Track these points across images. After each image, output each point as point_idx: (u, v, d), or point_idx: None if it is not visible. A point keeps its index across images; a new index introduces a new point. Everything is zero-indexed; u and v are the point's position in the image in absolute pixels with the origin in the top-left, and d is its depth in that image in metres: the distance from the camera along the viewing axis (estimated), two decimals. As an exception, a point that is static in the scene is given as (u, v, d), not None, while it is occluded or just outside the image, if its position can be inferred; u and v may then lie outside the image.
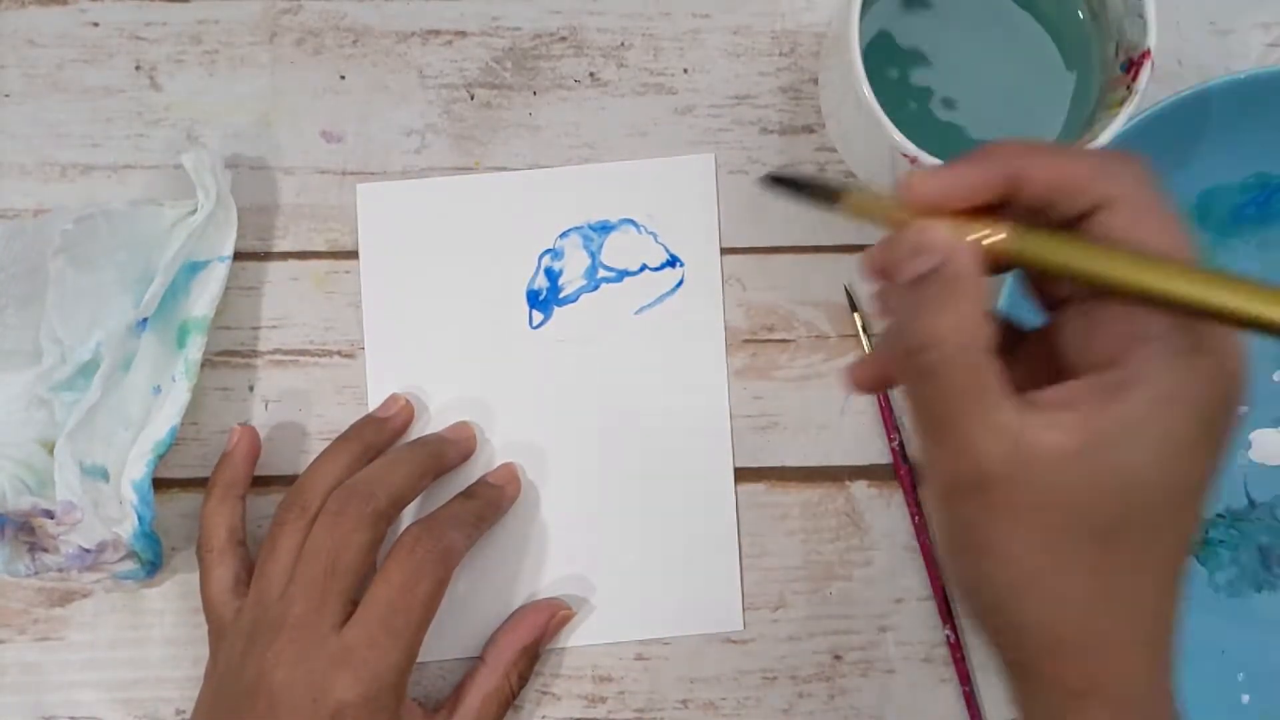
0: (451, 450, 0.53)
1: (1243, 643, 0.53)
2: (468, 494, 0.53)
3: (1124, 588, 0.35)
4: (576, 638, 0.54)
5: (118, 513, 0.51)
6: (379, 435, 0.53)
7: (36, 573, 0.50)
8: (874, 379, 0.41)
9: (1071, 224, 0.35)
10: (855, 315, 0.55)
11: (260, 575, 0.49)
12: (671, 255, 0.56)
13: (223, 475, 0.52)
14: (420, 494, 0.52)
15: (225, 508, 0.52)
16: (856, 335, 0.55)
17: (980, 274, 0.35)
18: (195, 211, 0.52)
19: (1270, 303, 0.33)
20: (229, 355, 0.55)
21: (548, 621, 0.53)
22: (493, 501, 0.53)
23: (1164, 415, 0.34)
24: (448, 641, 0.54)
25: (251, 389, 0.55)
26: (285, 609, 0.47)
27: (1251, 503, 0.55)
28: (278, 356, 0.55)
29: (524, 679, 0.53)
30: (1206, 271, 0.34)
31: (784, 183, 0.40)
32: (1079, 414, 0.34)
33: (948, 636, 0.54)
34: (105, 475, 0.51)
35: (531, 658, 0.53)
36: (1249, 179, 0.53)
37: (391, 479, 0.50)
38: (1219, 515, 0.55)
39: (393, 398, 0.54)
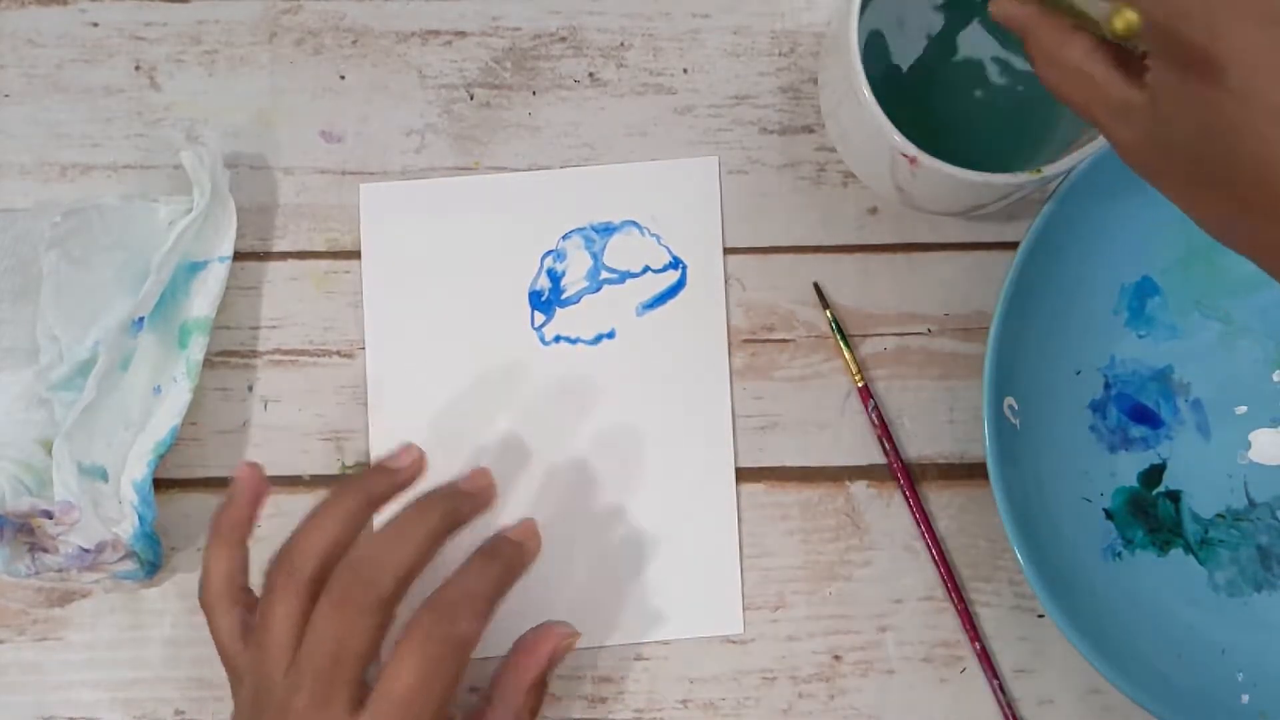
0: (467, 505, 0.48)
1: (1242, 643, 0.53)
2: (486, 554, 0.48)
3: None
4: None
5: (117, 513, 0.51)
6: (384, 488, 0.49)
7: (37, 573, 0.50)
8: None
9: None
10: (826, 312, 0.55)
11: (258, 645, 0.45)
12: (674, 257, 0.56)
13: (225, 518, 0.49)
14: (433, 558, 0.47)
15: (224, 553, 0.49)
16: (834, 334, 0.55)
17: None
18: (191, 209, 0.52)
19: None
20: (228, 355, 0.55)
21: (553, 651, 0.50)
22: (512, 565, 0.48)
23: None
24: (447, 641, 0.54)
25: (251, 389, 0.55)
26: (290, 695, 0.44)
27: (1251, 502, 0.55)
28: (277, 356, 0.55)
29: (535, 714, 0.50)
30: None
31: None
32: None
33: (969, 636, 0.55)
34: (104, 475, 0.51)
35: (540, 691, 0.50)
36: None
37: (398, 558, 0.45)
38: (1219, 515, 0.55)
39: (406, 449, 0.49)
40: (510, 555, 0.48)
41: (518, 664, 0.50)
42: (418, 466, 0.49)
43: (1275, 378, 0.55)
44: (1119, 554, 0.54)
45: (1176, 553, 0.54)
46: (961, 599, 0.54)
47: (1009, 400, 0.51)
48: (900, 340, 0.56)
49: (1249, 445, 0.55)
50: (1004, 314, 0.50)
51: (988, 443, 0.49)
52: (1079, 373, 0.55)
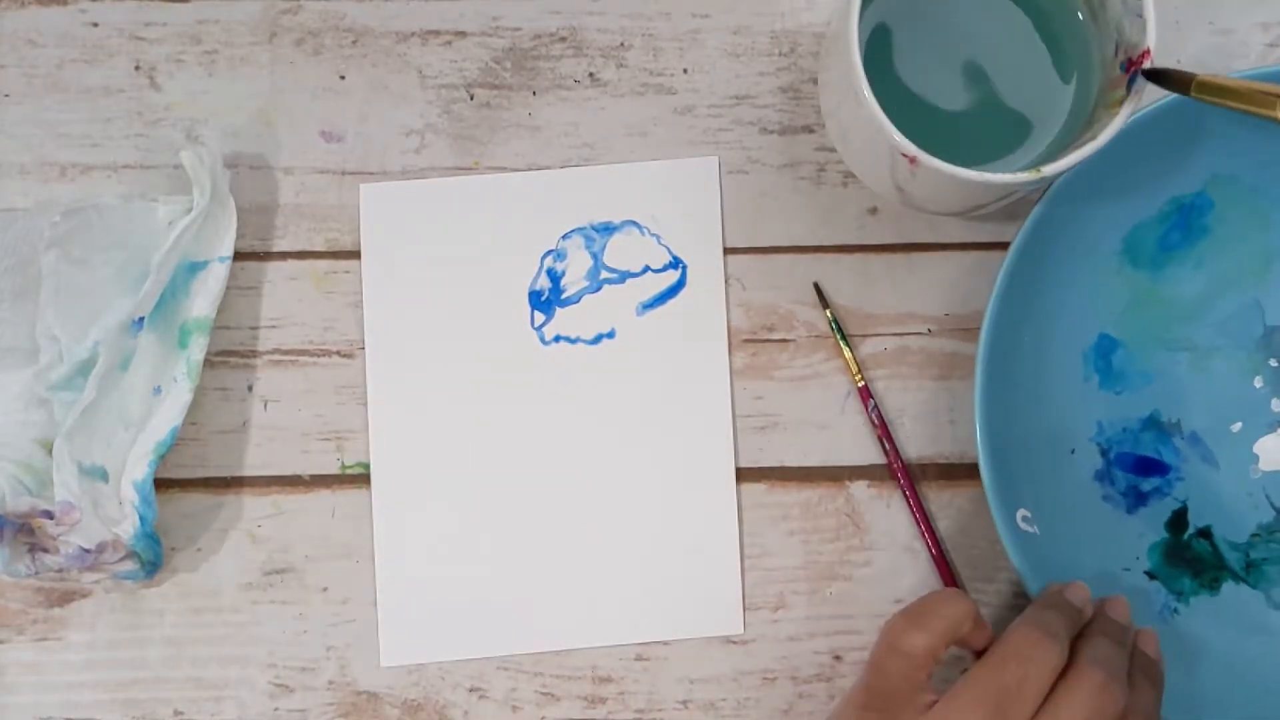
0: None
1: None
2: (1142, 674, 0.47)
3: None
4: (577, 639, 0.54)
5: (117, 513, 0.51)
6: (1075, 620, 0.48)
7: (36, 573, 0.50)
8: None
9: None
10: (826, 312, 0.55)
11: (1000, 684, 0.44)
12: (675, 257, 0.55)
13: (1059, 600, 0.48)
14: None
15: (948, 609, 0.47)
16: (834, 334, 0.55)
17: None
18: (191, 209, 0.52)
19: None
20: (228, 355, 0.55)
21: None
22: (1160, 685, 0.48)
23: None
24: (448, 642, 0.54)
25: (250, 389, 0.55)
26: None
27: (1278, 511, 0.55)
28: (277, 356, 0.55)
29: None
30: None
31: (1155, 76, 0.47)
32: None
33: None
34: (104, 475, 0.51)
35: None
36: (1164, 208, 0.53)
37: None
38: (1254, 535, 0.54)
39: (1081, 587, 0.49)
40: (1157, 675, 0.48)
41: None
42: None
43: (1257, 384, 0.55)
44: (1175, 610, 0.53)
45: (1228, 586, 0.54)
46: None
47: (1021, 513, 0.51)
48: (900, 340, 0.56)
49: (1257, 458, 0.55)
50: (985, 431, 0.50)
51: (1015, 562, 0.49)
52: (1073, 452, 0.54)
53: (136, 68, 0.56)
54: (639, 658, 0.55)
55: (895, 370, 0.56)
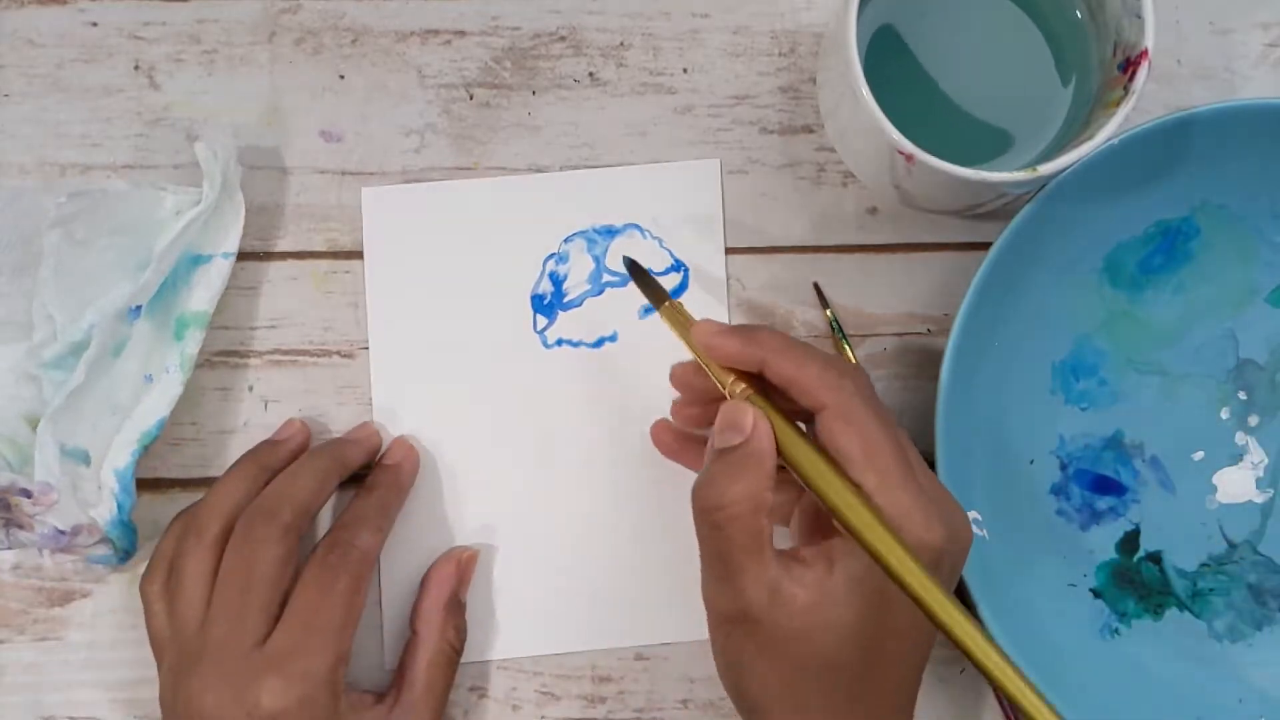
0: (353, 451, 0.53)
1: (1256, 685, 0.53)
2: (367, 486, 0.53)
3: (849, 713, 0.44)
4: (577, 642, 0.54)
5: (95, 497, 0.51)
6: (274, 458, 0.52)
7: (10, 547, 0.50)
8: (673, 444, 0.53)
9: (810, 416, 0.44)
10: (826, 312, 0.55)
11: (173, 613, 0.49)
12: (676, 260, 0.55)
13: (261, 457, 0.52)
14: (329, 498, 0.52)
15: (242, 485, 0.51)
16: (834, 334, 0.55)
17: (772, 452, 0.43)
18: (199, 201, 0.52)
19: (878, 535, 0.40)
20: (228, 355, 0.55)
21: (456, 570, 0.53)
22: (393, 485, 0.53)
23: (856, 591, 0.42)
24: (446, 641, 0.54)
25: (250, 389, 0.55)
26: (205, 635, 0.47)
27: (1230, 544, 0.54)
28: (276, 356, 0.55)
29: (460, 633, 0.53)
30: (853, 493, 0.41)
31: (634, 269, 0.52)
32: (815, 573, 0.42)
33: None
34: (86, 459, 0.51)
35: (458, 610, 0.53)
36: (1149, 230, 0.53)
37: (294, 491, 0.50)
38: (1203, 565, 0.54)
39: (289, 422, 0.54)
40: (388, 480, 0.53)
41: (426, 591, 0.53)
42: (302, 434, 0.54)
43: (1223, 415, 0.55)
44: (1116, 630, 0.53)
45: (1171, 612, 0.54)
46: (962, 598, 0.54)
47: (973, 515, 0.51)
48: (900, 340, 0.56)
49: (1215, 489, 0.55)
50: (944, 430, 0.50)
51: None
52: (1032, 462, 0.54)
53: (136, 67, 0.56)
54: (639, 657, 0.55)
55: (895, 370, 0.56)
